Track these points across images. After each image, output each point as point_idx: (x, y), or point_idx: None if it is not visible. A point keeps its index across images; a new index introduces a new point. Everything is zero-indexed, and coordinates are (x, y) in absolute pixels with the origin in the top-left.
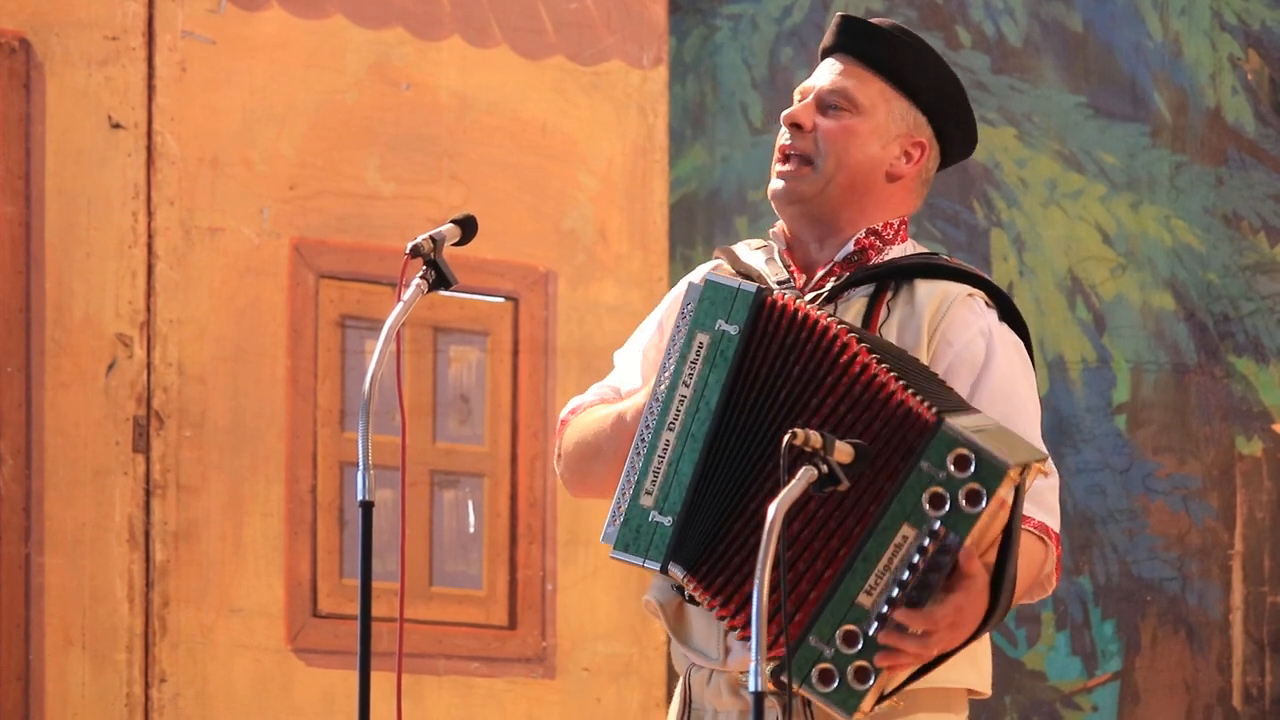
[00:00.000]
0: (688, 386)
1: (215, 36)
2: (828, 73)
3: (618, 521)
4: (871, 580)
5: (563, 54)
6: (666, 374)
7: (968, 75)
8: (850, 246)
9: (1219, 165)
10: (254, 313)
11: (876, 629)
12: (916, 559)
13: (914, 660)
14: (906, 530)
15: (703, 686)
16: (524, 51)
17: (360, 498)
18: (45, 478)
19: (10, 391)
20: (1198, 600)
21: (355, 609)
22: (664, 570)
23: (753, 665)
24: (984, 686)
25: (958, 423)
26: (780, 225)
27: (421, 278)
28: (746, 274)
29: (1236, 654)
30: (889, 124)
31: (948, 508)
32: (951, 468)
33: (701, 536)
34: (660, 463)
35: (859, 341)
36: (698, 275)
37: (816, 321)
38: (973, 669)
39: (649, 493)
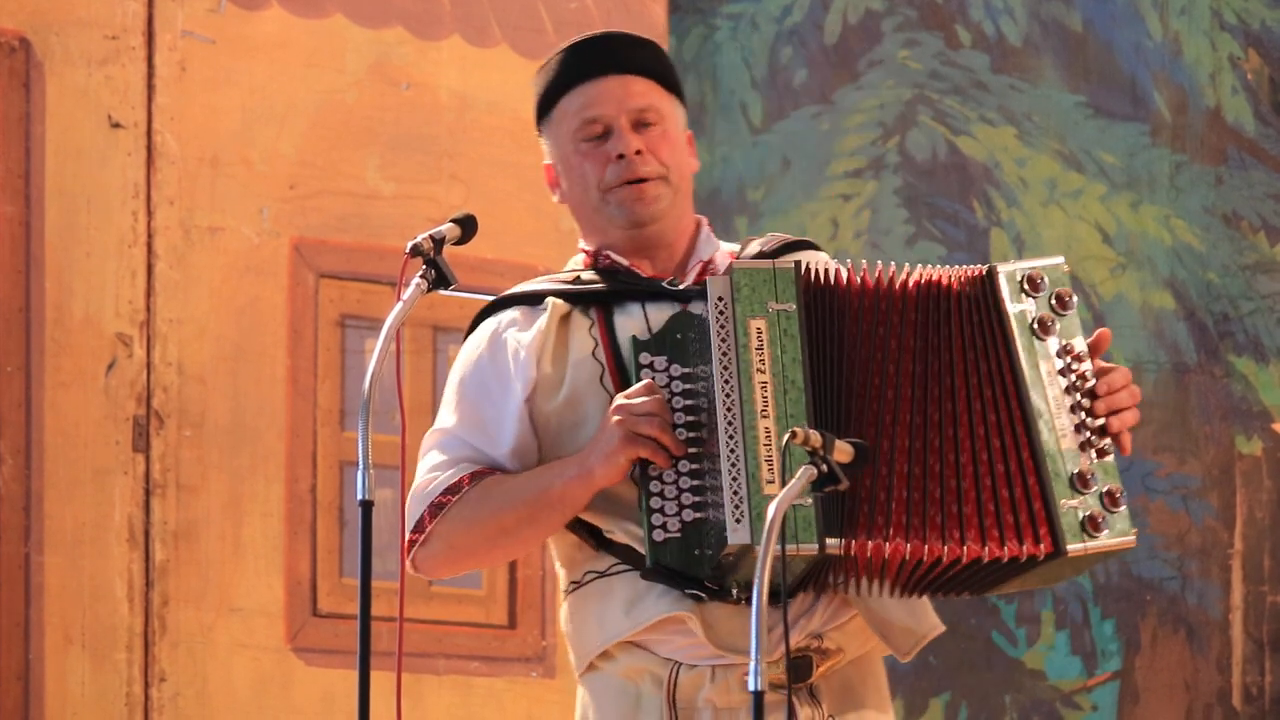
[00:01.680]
0: (764, 373)
1: (215, 36)
2: (618, 93)
3: (744, 520)
4: (1057, 425)
5: None
6: (726, 369)
7: (967, 75)
8: (708, 244)
9: (1219, 165)
10: (254, 312)
11: (1094, 452)
12: (1068, 375)
13: (1135, 410)
14: (1045, 365)
15: (699, 685)
16: (524, 51)
17: (360, 497)
18: (45, 477)
19: (10, 391)
20: (1198, 600)
21: (355, 608)
22: (822, 549)
23: (753, 665)
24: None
25: (1002, 263)
26: (598, 247)
27: (421, 277)
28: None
29: (1236, 653)
30: (679, 126)
31: (1054, 322)
32: (1030, 292)
33: (836, 507)
34: (769, 450)
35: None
36: (505, 319)
37: (850, 273)
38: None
39: (770, 481)
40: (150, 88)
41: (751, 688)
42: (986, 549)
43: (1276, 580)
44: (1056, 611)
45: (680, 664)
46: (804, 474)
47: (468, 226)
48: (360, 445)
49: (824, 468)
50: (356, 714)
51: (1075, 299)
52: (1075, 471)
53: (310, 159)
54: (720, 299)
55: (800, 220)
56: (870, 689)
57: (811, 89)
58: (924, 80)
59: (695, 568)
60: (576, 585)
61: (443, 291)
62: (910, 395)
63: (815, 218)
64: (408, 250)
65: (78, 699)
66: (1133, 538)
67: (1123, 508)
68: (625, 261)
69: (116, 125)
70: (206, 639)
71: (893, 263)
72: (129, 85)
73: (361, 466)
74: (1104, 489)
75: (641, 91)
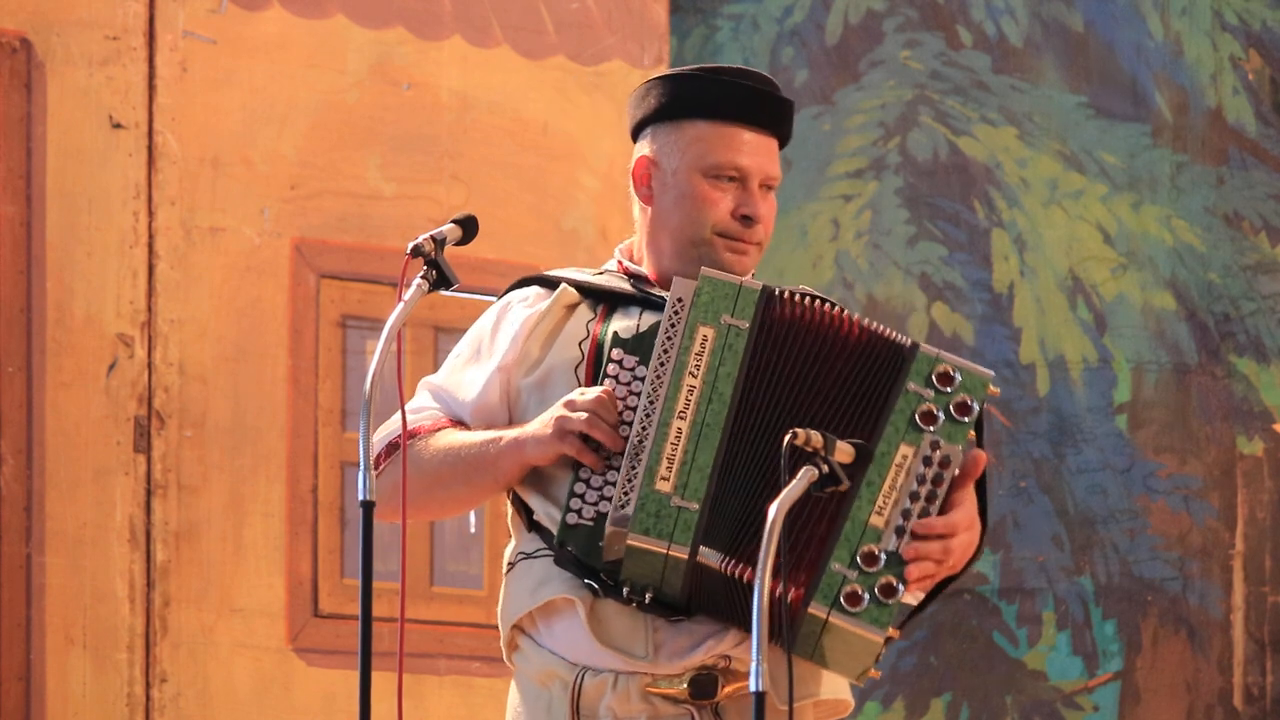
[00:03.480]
0: (695, 377)
1: (216, 36)
2: (764, 153)
3: (628, 507)
4: (880, 502)
5: (564, 54)
6: (662, 365)
7: (969, 75)
8: None
9: (1220, 165)
10: (255, 313)
11: (896, 543)
12: (922, 471)
13: (936, 568)
14: (905, 450)
15: (602, 693)
16: (525, 51)
17: (361, 497)
18: (46, 477)
19: (11, 391)
20: (1199, 600)
21: (356, 609)
22: (693, 555)
23: (754, 665)
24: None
25: (931, 348)
26: (655, 269)
27: (422, 278)
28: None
29: (1237, 654)
30: None
31: (941, 421)
32: (937, 384)
33: (731, 522)
34: (675, 450)
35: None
36: (520, 295)
37: (823, 311)
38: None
39: (665, 479)
40: (151, 88)
41: (753, 688)
42: (773, 585)
43: (1278, 581)
44: (1058, 612)
45: (586, 670)
46: (805, 475)
47: (469, 227)
48: (361, 445)
49: (824, 468)
50: (358, 714)
51: (976, 415)
52: (865, 549)
53: (311, 159)
54: (679, 300)
55: (801, 220)
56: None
57: (813, 89)
58: (925, 80)
59: (596, 558)
60: (510, 566)
61: (444, 292)
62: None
63: (816, 218)
64: (409, 251)
65: (79, 699)
66: (880, 637)
67: (890, 603)
68: (651, 277)
69: (118, 125)
70: (208, 639)
71: (844, 311)
72: (130, 85)
73: (363, 467)
74: (883, 579)
75: (776, 158)
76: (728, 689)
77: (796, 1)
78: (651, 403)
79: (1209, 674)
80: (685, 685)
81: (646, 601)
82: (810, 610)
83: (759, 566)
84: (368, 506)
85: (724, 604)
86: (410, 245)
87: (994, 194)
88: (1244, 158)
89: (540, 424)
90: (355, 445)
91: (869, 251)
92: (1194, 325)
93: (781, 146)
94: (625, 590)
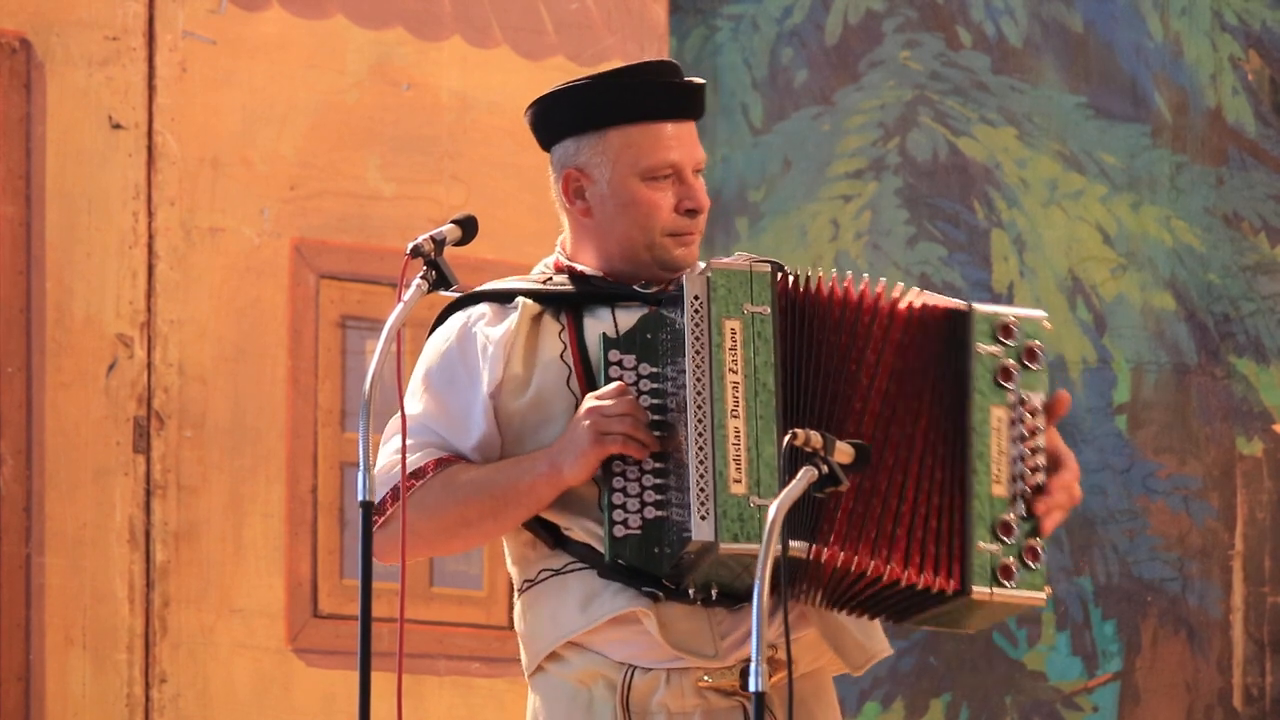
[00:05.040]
0: (735, 373)
1: (216, 36)
2: (689, 141)
3: (709, 518)
4: (994, 471)
5: (563, 54)
6: (699, 367)
7: (968, 75)
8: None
9: (1219, 166)
10: (254, 313)
11: (1023, 505)
12: (1020, 429)
13: (1065, 514)
14: (998, 412)
15: (653, 689)
16: (524, 52)
17: (361, 498)
18: (46, 478)
19: (11, 392)
20: (1198, 601)
21: (356, 609)
22: (785, 550)
23: (754, 666)
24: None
25: (983, 305)
26: (600, 267)
27: (422, 278)
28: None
29: (1237, 654)
30: None
31: (1019, 375)
32: (1002, 339)
33: (806, 509)
34: (738, 450)
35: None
36: (476, 313)
37: (834, 284)
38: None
39: (738, 481)
40: (151, 88)
41: (753, 688)
42: (906, 573)
43: (1277, 581)
44: (1057, 612)
45: (635, 667)
46: (804, 475)
47: (468, 227)
48: (361, 446)
49: (824, 469)
50: (357, 715)
51: (1045, 355)
52: (1000, 519)
53: (311, 160)
54: (697, 298)
55: (801, 221)
56: (822, 704)
57: (812, 90)
58: (925, 81)
59: (654, 565)
60: (530, 583)
61: (443, 292)
62: (878, 410)
63: (816, 218)
64: (408, 251)
65: (79, 700)
66: (1043, 596)
67: (1039, 565)
68: (599, 273)
69: (117, 126)
70: (207, 640)
71: (881, 280)
72: (130, 86)
73: (362, 467)
74: (1025, 543)
75: (697, 140)
76: (773, 679)
77: (796, 2)
78: (701, 406)
79: (1208, 674)
80: (736, 677)
81: (714, 598)
82: (974, 596)
83: (758, 565)
84: (367, 507)
85: (799, 587)
86: (410, 246)
87: (993, 194)
88: (1243, 158)
89: (568, 442)
90: (355, 446)
91: (868, 252)
92: (1193, 326)
93: (697, 121)
94: (691, 591)
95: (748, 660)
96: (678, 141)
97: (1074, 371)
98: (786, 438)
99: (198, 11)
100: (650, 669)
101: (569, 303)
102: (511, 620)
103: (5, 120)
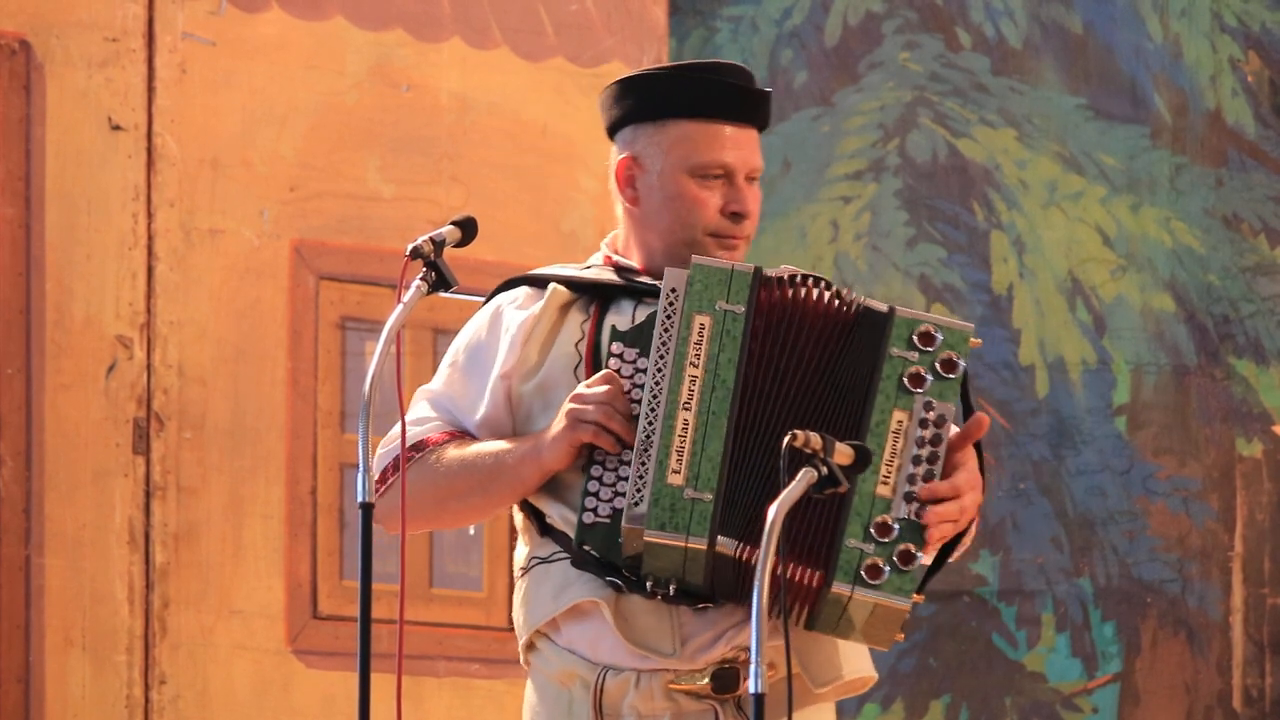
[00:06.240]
0: (696, 367)
1: (215, 38)
2: (748, 147)
3: (641, 504)
4: (883, 472)
5: (563, 55)
6: (662, 358)
7: (968, 76)
8: None
9: (1219, 167)
10: (254, 314)
11: (906, 510)
12: (920, 434)
13: (954, 528)
14: (899, 415)
15: (624, 692)
16: (524, 53)
17: (360, 499)
18: (45, 479)
19: (11, 393)
20: (1198, 602)
21: (355, 610)
22: (712, 545)
23: (753, 666)
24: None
25: (908, 310)
26: (617, 259)
27: (422, 279)
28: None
29: (1237, 656)
30: None
31: (929, 381)
32: (920, 345)
33: (746, 509)
34: (683, 441)
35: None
36: (510, 297)
37: (814, 290)
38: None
39: (676, 471)
40: (150, 90)
41: (752, 689)
42: (783, 566)
43: (1277, 582)
44: (1057, 614)
45: (607, 669)
46: (804, 476)
47: (468, 229)
48: (361, 447)
49: (824, 470)
50: (357, 716)
51: (964, 369)
52: (878, 520)
53: (310, 161)
54: (673, 290)
55: (800, 222)
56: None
57: (812, 91)
58: (924, 82)
59: (615, 555)
60: (524, 571)
61: (443, 294)
62: (799, 411)
63: (815, 220)
64: (408, 252)
65: (78, 701)
66: (907, 603)
67: (911, 571)
68: (641, 270)
69: (117, 127)
70: (207, 641)
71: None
72: (129, 87)
73: (362, 468)
74: (900, 546)
75: (758, 149)
76: (748, 682)
77: (795, 3)
78: (655, 396)
79: (1208, 676)
80: (707, 680)
81: (671, 593)
82: (834, 591)
83: (758, 568)
84: (367, 508)
85: (745, 591)
86: (409, 247)
87: (993, 196)
88: (1243, 159)
89: (551, 427)
90: (354, 447)
91: (868, 253)
92: (1193, 327)
93: (761, 132)
94: (649, 584)
95: (716, 664)
96: (734, 144)
97: (1074, 373)
98: (786, 439)
99: (197, 13)
100: (622, 670)
101: (600, 294)
102: (511, 622)
103: (5, 121)
